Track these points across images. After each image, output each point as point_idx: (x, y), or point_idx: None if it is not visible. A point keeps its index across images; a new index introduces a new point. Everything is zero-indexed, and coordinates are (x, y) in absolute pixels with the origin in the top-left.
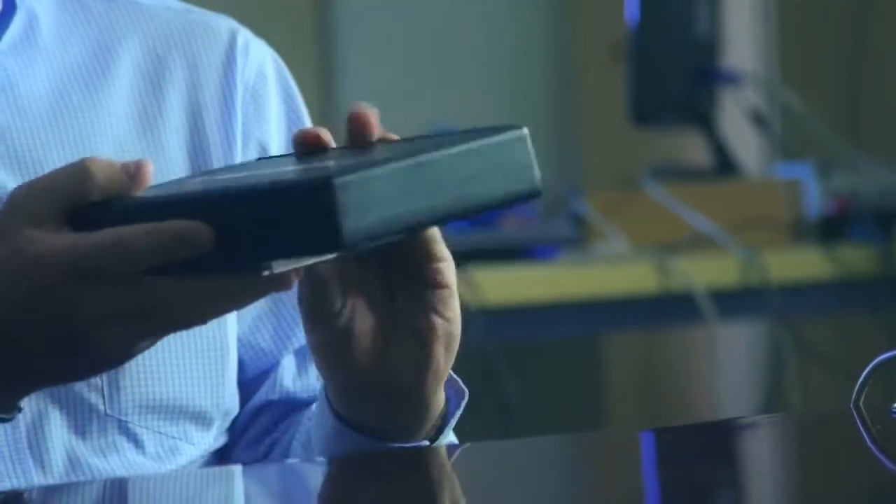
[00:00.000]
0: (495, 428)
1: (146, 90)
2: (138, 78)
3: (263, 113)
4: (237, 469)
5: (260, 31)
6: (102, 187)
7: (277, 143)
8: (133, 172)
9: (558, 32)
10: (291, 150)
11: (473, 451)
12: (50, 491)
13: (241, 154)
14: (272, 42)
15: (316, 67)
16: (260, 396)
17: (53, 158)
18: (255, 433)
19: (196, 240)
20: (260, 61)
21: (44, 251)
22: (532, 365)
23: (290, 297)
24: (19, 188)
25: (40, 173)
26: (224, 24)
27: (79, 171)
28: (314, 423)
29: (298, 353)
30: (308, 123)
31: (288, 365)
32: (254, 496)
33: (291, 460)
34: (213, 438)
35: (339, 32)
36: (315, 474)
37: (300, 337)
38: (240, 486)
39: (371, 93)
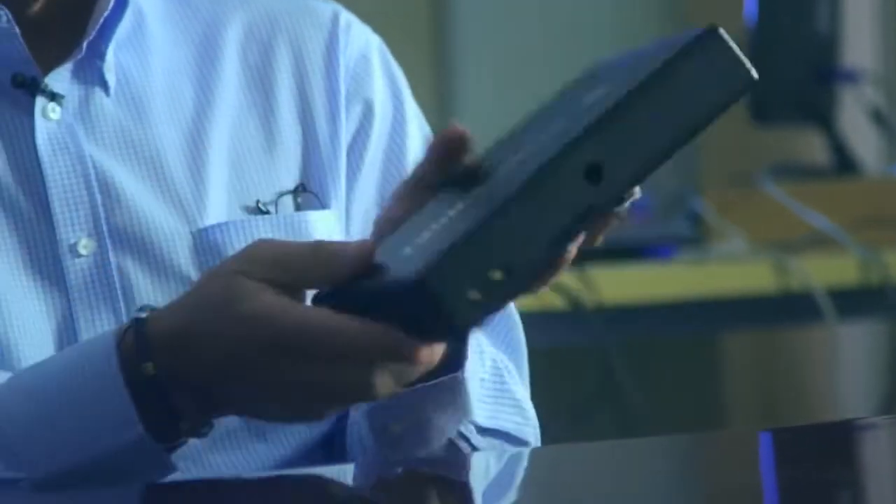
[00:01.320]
0: (614, 427)
1: (254, 79)
2: (245, 66)
3: (367, 96)
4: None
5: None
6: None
7: (378, 130)
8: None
9: (676, 31)
10: (392, 136)
11: (592, 450)
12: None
13: (346, 113)
14: (389, 38)
15: (431, 67)
16: None
17: (171, 152)
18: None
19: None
20: (362, 44)
21: (268, 311)
22: (650, 364)
23: None
24: (263, 244)
25: (158, 167)
26: (326, 6)
27: (330, 265)
28: None
29: None
30: (410, 109)
31: None
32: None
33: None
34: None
35: (455, 32)
36: (441, 473)
37: None
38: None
39: (484, 93)
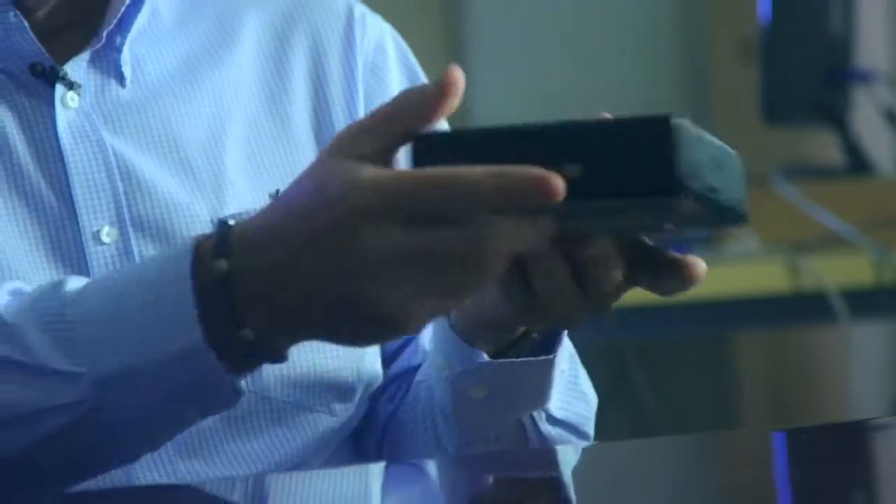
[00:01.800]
0: (627, 427)
1: (270, 69)
2: (261, 56)
3: (385, 88)
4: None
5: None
6: (422, 116)
7: None
8: (442, 87)
9: (689, 30)
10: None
11: (605, 449)
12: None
13: None
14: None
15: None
16: (401, 363)
17: (187, 135)
18: (382, 401)
19: (548, 189)
20: (377, 35)
21: (360, 179)
22: (664, 364)
23: None
24: (348, 126)
25: (177, 155)
26: None
27: (396, 106)
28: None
29: None
30: None
31: (428, 328)
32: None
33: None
34: (354, 408)
35: (469, 31)
36: (450, 471)
37: None
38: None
39: (500, 91)
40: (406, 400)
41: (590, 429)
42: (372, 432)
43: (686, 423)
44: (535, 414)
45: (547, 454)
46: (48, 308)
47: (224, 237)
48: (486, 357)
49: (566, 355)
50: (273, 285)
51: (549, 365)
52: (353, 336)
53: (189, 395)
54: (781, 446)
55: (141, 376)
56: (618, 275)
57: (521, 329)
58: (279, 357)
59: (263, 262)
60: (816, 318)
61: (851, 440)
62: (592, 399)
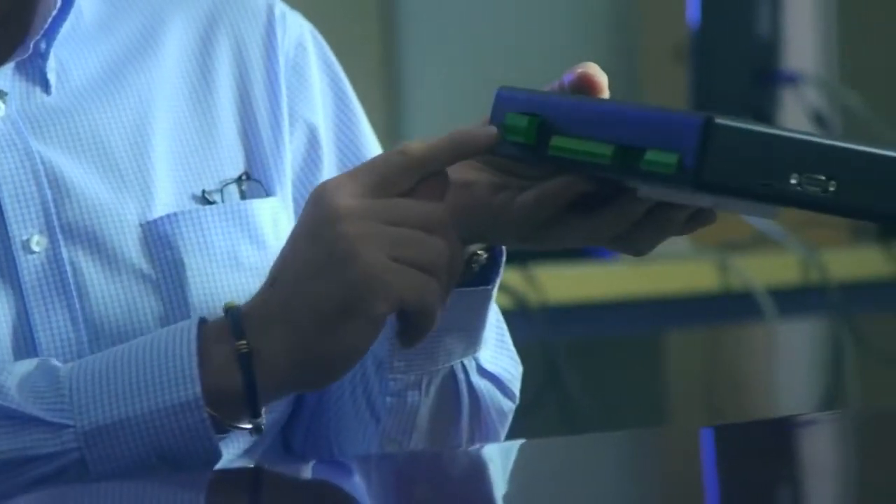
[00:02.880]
0: (558, 424)
1: (194, 70)
2: (185, 58)
3: (307, 86)
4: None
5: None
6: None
7: (323, 118)
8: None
9: (621, 34)
10: (338, 124)
11: (536, 447)
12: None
13: (290, 135)
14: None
15: (380, 62)
16: None
17: (113, 139)
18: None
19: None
20: (298, 33)
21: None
22: (594, 362)
23: None
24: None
25: (104, 161)
26: None
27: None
28: None
29: None
30: (350, 91)
31: None
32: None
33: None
34: (284, 405)
35: (402, 28)
36: (361, 472)
37: None
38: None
39: (432, 91)
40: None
41: (516, 388)
42: (300, 427)
43: (617, 420)
44: (467, 363)
45: (479, 451)
46: (40, 379)
47: (235, 318)
48: None
49: (495, 312)
50: (279, 296)
51: (487, 297)
52: (343, 326)
53: (171, 452)
54: (710, 443)
55: (129, 430)
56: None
57: (466, 255)
58: (258, 408)
59: (268, 295)
60: (745, 316)
61: (779, 436)
62: (518, 361)
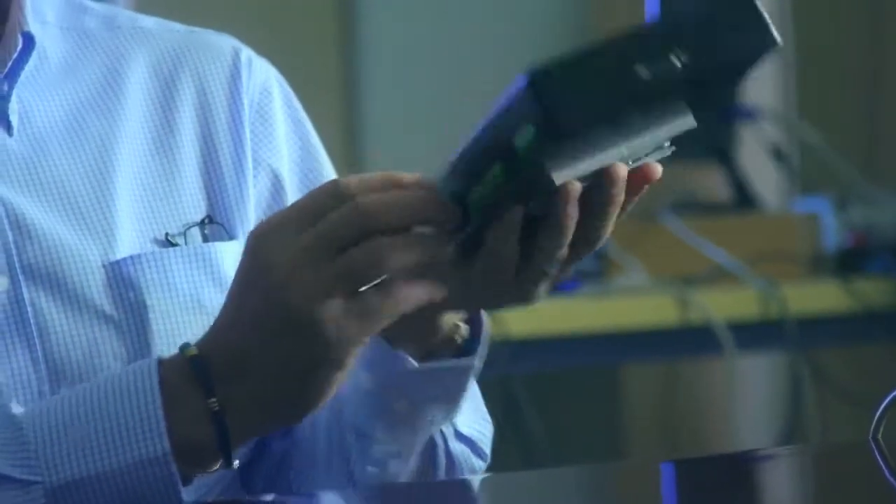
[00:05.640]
0: (517, 458)
1: (157, 114)
2: (148, 102)
3: (271, 131)
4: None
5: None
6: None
7: (288, 163)
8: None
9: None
10: (303, 168)
11: (495, 481)
12: None
13: (253, 180)
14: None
15: (339, 91)
16: None
17: (74, 184)
18: (275, 438)
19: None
20: (263, 78)
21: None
22: (553, 396)
23: None
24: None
25: (66, 202)
26: (226, 42)
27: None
28: None
29: None
30: (314, 138)
31: None
32: None
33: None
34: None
35: (363, 39)
36: None
37: None
38: None
39: (393, 100)
40: (299, 436)
41: (488, 448)
42: (261, 470)
43: (576, 454)
44: (445, 429)
45: (439, 486)
46: (3, 432)
47: (186, 344)
48: (413, 363)
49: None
50: (235, 351)
51: (470, 369)
52: (304, 375)
53: (137, 503)
54: (670, 477)
55: (98, 485)
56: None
57: (447, 328)
58: (230, 456)
59: (224, 333)
60: (704, 350)
61: (738, 470)
62: (489, 420)
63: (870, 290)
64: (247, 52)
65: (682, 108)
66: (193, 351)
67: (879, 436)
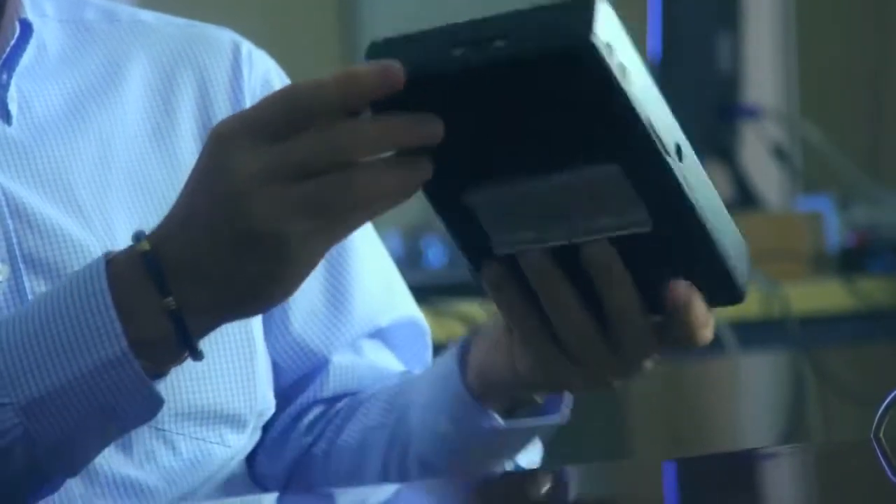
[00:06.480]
0: None
1: (157, 106)
2: (148, 94)
3: None
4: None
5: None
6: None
7: None
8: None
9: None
10: None
11: (496, 480)
12: None
13: None
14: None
15: None
16: (310, 395)
17: (73, 174)
18: (297, 433)
19: (390, 77)
20: (264, 70)
21: (222, 128)
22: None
23: (350, 285)
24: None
25: (62, 188)
26: (226, 36)
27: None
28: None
29: (354, 346)
30: None
31: (340, 362)
32: None
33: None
34: (247, 438)
35: (363, 38)
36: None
37: (355, 327)
38: None
39: None
40: (337, 443)
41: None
42: (279, 460)
43: (579, 453)
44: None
45: (442, 485)
46: None
47: (140, 233)
48: (499, 421)
49: None
50: (189, 251)
51: (555, 425)
52: (261, 280)
53: (112, 408)
54: (672, 476)
55: (66, 396)
56: (636, 314)
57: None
58: (195, 349)
59: (177, 231)
60: (707, 349)
61: (740, 469)
62: (541, 445)
63: (872, 289)
64: (247, 45)
65: (616, 172)
66: (146, 246)
67: (881, 434)
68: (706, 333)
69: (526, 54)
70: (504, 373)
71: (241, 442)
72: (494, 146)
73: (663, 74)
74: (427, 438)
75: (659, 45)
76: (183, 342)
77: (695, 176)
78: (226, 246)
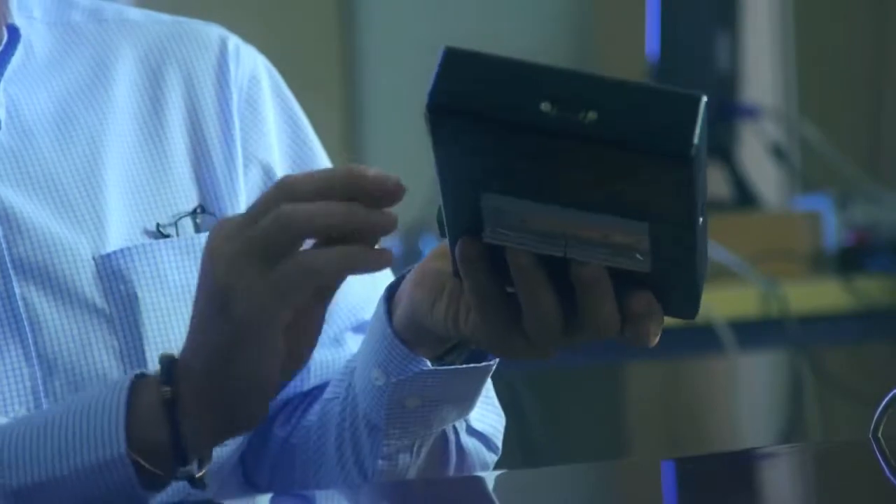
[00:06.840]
0: (517, 457)
1: (145, 104)
2: (136, 93)
3: (261, 121)
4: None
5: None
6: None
7: (278, 154)
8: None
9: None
10: (294, 159)
11: (496, 479)
12: None
13: (245, 175)
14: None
15: (339, 84)
16: (290, 388)
17: (64, 176)
18: (275, 427)
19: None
20: (251, 66)
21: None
22: (554, 394)
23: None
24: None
25: (53, 191)
26: (213, 31)
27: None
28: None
29: (338, 339)
30: (304, 123)
31: (322, 358)
32: None
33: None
34: (241, 437)
35: (363, 38)
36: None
37: (338, 322)
38: None
39: (393, 98)
40: (302, 424)
41: (499, 442)
42: (263, 458)
43: (577, 452)
44: (458, 424)
45: (438, 483)
46: None
47: (169, 368)
48: (428, 364)
49: None
50: (204, 382)
51: (488, 371)
52: (237, 358)
53: None
54: (671, 475)
55: (57, 488)
56: (616, 327)
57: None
58: (194, 462)
59: (192, 360)
60: (705, 348)
61: (739, 469)
62: (502, 414)
63: (871, 289)
64: (234, 41)
65: (635, 224)
66: (167, 394)
67: (880, 434)
68: (654, 341)
69: (616, 138)
70: (442, 322)
71: (236, 441)
72: (541, 180)
73: (662, 74)
74: (368, 394)
75: (657, 45)
76: (175, 445)
77: (704, 217)
78: (208, 337)
